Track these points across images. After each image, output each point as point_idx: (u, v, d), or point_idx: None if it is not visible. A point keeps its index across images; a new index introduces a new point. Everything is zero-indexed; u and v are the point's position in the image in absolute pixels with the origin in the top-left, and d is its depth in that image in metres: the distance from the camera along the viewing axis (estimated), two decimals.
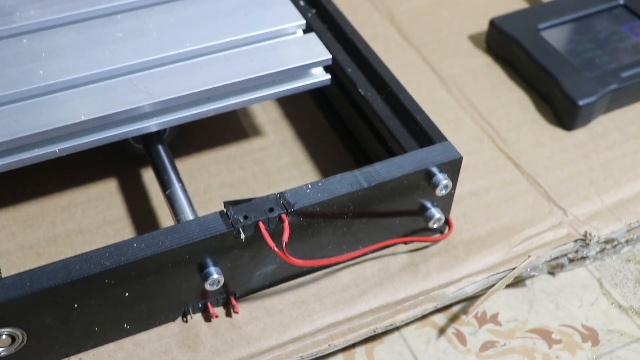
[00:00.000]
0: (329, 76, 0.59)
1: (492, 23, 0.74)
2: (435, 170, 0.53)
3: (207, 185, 0.63)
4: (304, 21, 0.61)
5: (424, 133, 0.56)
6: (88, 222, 0.60)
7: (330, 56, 0.58)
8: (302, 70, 0.58)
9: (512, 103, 0.71)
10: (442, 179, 0.53)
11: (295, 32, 0.61)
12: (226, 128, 0.67)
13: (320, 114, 0.69)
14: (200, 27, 0.60)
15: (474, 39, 0.78)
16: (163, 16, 0.61)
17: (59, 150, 0.53)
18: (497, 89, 0.72)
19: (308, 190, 0.50)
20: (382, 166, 0.52)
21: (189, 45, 0.58)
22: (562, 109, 0.67)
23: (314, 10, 0.68)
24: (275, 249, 0.48)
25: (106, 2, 0.62)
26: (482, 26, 0.78)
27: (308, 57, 0.58)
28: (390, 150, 0.58)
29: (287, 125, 0.68)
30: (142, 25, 0.60)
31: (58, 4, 0.62)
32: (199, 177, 0.63)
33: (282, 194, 0.50)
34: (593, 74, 0.68)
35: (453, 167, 0.54)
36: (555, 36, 0.72)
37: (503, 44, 0.74)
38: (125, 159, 0.64)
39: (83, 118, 0.53)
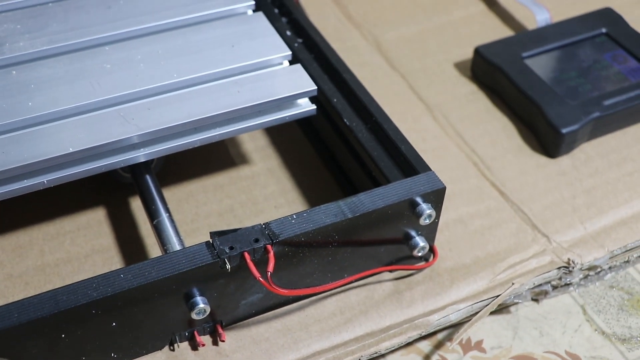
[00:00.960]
0: (314, 107, 0.60)
1: (477, 51, 0.75)
2: (419, 200, 0.54)
3: (195, 213, 0.63)
4: (289, 52, 0.62)
5: (408, 163, 0.56)
6: (76, 251, 0.60)
7: (315, 87, 0.59)
8: (288, 101, 0.59)
9: (497, 131, 0.72)
10: (426, 209, 0.54)
11: (281, 63, 0.62)
12: (214, 156, 0.68)
13: (307, 142, 0.69)
14: (188, 59, 0.61)
15: (459, 66, 0.79)
16: (151, 47, 0.62)
17: (47, 181, 0.54)
18: (482, 117, 0.73)
19: (293, 221, 0.51)
20: (366, 196, 0.53)
21: (176, 76, 0.59)
22: (545, 137, 0.68)
23: (300, 40, 0.69)
24: (261, 279, 0.49)
25: (95, 34, 0.63)
26: (468, 54, 0.79)
27: (294, 88, 0.59)
28: (375, 180, 0.59)
29: (274, 153, 0.68)
30: (130, 56, 0.61)
31: (47, 35, 0.63)
32: (187, 205, 0.64)
33: (267, 224, 0.51)
34: (576, 102, 0.69)
35: (437, 197, 0.54)
36: (539, 64, 0.74)
37: (488, 72, 0.75)
38: (114, 188, 0.65)
39: (71, 150, 0.53)
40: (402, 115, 0.73)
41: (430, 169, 0.56)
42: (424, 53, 0.81)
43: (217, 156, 0.68)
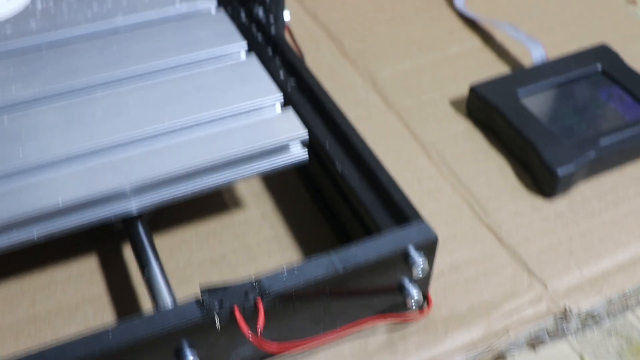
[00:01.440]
0: (306, 153, 0.59)
1: (472, 90, 0.75)
2: (412, 250, 0.53)
3: (188, 260, 0.63)
4: (281, 95, 0.61)
5: (401, 211, 0.56)
6: (68, 301, 0.60)
7: (306, 132, 0.58)
8: (280, 147, 0.59)
9: (493, 170, 0.71)
10: (419, 261, 0.53)
11: (273, 106, 0.62)
12: (207, 201, 0.67)
13: (302, 185, 0.69)
14: (179, 104, 0.60)
15: (455, 103, 0.78)
16: (142, 93, 0.62)
17: (36, 234, 0.53)
18: (477, 156, 0.72)
19: (284, 276, 0.50)
20: (357, 248, 0.52)
21: (167, 122, 0.59)
22: (541, 178, 0.68)
23: (293, 81, 0.68)
24: (250, 337, 0.48)
25: (87, 79, 0.63)
26: (463, 90, 0.79)
27: (285, 134, 0.58)
28: (368, 228, 0.58)
29: (268, 197, 0.68)
30: (121, 102, 0.61)
31: (40, 81, 0.63)
32: (179, 252, 0.63)
33: (257, 279, 0.50)
34: (572, 141, 0.69)
35: (429, 248, 0.54)
36: (535, 103, 0.73)
37: (483, 110, 0.74)
38: (107, 235, 0.64)
39: (60, 203, 0.53)
40: (397, 155, 0.72)
41: (422, 219, 0.55)
42: (420, 90, 0.80)
43: (211, 201, 0.67)
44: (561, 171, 0.66)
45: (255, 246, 0.64)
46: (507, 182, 0.70)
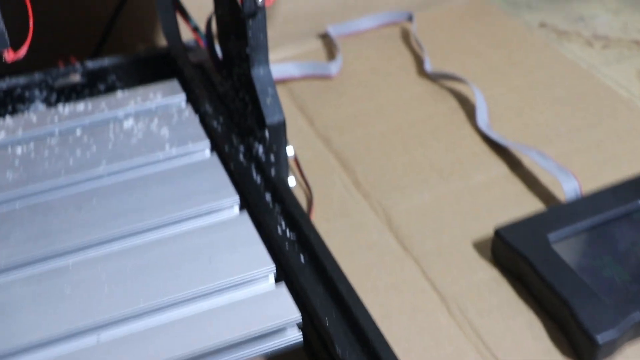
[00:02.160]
0: (300, 337, 0.52)
1: (497, 233, 0.67)
2: None
3: None
4: (273, 266, 0.54)
5: None
6: None
7: (299, 316, 0.51)
8: (270, 332, 0.51)
9: (522, 329, 0.62)
10: None
11: (266, 278, 0.54)
12: None
13: (304, 355, 0.61)
14: (157, 277, 0.54)
15: (478, 246, 0.70)
16: (118, 263, 0.55)
17: None
18: (504, 311, 0.64)
19: None
20: None
21: (142, 302, 0.52)
22: (578, 342, 0.59)
23: (293, 235, 0.61)
24: None
25: (60, 243, 0.57)
26: (488, 229, 0.70)
27: (276, 319, 0.51)
28: None
29: None
30: (94, 275, 0.54)
31: (8, 247, 0.57)
32: None
33: None
34: (613, 299, 0.60)
35: None
36: (569, 249, 0.65)
37: (510, 257, 0.66)
38: None
39: None
40: (414, 311, 0.64)
41: None
42: (440, 229, 0.72)
43: None
44: (602, 338, 0.57)
45: None
46: (538, 344, 0.61)
